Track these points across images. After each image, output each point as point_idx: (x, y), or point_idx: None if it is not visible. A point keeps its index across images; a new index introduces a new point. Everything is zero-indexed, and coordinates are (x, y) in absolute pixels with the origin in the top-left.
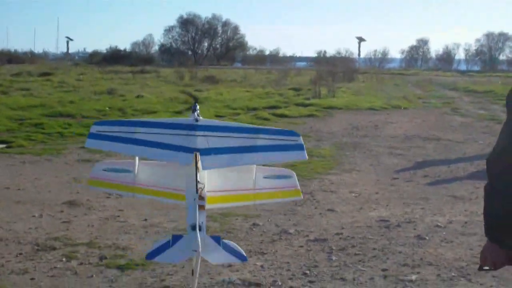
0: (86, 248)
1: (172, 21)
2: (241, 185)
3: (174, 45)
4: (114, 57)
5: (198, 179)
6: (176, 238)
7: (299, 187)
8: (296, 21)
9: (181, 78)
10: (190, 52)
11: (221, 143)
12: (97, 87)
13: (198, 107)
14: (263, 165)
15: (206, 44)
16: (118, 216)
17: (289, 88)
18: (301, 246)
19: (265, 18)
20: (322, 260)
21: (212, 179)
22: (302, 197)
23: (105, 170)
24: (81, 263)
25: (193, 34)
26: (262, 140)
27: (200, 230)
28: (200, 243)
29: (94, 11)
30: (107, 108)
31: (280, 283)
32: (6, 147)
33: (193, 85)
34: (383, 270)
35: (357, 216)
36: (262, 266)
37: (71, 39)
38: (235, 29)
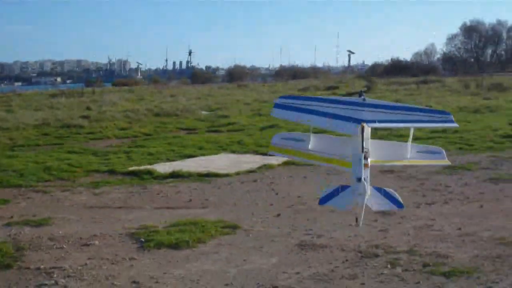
0: (408, 255)
1: (455, 29)
2: (397, 157)
3: (457, 53)
4: (396, 68)
5: (364, 145)
6: (343, 188)
7: (446, 159)
8: None
9: (467, 87)
10: (472, 60)
11: (384, 116)
12: (383, 99)
13: (364, 95)
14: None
15: (490, 51)
16: (432, 225)
17: None
18: None
19: None
20: None
21: (377, 152)
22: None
23: (283, 139)
24: (406, 270)
25: (477, 41)
26: (416, 115)
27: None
28: (364, 189)
29: (372, 24)
30: None
31: None
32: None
33: (479, 93)
34: None
35: None
36: None
37: (353, 53)
38: None
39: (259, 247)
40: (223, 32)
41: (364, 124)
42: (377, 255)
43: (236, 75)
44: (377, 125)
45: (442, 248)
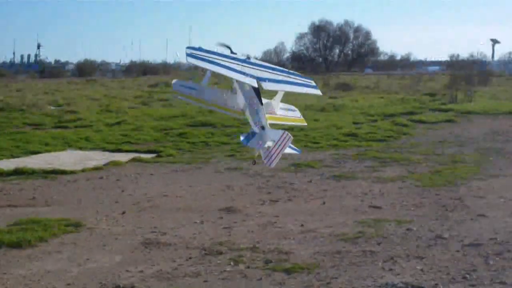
0: (251, 253)
1: (304, 28)
2: (269, 112)
3: (305, 52)
4: None
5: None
6: (253, 134)
7: (302, 117)
8: (428, 24)
9: None
10: (321, 59)
11: (271, 76)
12: None
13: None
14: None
15: (337, 50)
16: (275, 222)
17: (424, 93)
18: (458, 251)
19: (396, 23)
20: (480, 264)
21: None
22: (307, 124)
23: (181, 85)
24: (248, 267)
25: (325, 41)
26: (292, 78)
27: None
28: (271, 134)
29: (224, 21)
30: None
31: (441, 286)
32: (157, 156)
33: (326, 92)
34: None
35: (509, 221)
36: (422, 270)
37: None
38: (367, 34)
39: (102, 246)
40: (74, 26)
41: (262, 82)
42: (220, 253)
43: (86, 70)
44: (267, 83)
45: (284, 245)
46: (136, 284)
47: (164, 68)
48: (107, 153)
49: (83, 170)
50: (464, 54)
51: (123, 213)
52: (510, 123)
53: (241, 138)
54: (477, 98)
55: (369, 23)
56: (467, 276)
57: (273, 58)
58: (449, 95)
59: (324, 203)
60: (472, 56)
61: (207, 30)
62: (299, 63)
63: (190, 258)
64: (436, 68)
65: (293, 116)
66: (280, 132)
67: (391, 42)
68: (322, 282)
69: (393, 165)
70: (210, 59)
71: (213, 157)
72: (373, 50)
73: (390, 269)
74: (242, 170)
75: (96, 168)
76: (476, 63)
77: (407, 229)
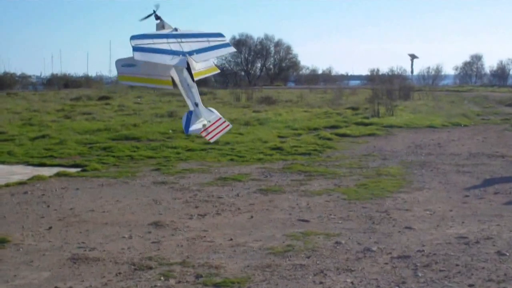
0: (181, 267)
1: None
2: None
3: (227, 66)
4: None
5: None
6: (190, 114)
7: (215, 66)
8: (348, 39)
9: (238, 99)
10: (243, 73)
11: (197, 46)
12: (157, 110)
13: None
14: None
15: (259, 64)
16: (204, 236)
17: (346, 107)
18: (386, 263)
19: (316, 37)
20: (409, 277)
21: None
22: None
23: (122, 66)
24: (179, 281)
25: (246, 55)
26: (212, 42)
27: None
28: (204, 110)
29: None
30: (170, 131)
31: None
32: (82, 170)
33: (250, 106)
34: (470, 285)
35: (435, 233)
36: (352, 283)
37: None
38: (288, 49)
39: (30, 262)
40: None
41: (189, 57)
42: (150, 267)
43: (5, 82)
44: (196, 55)
45: (214, 259)
46: None
47: (86, 81)
48: (31, 168)
49: (7, 185)
50: (384, 68)
51: (50, 228)
52: (431, 137)
53: (183, 123)
54: (398, 112)
55: (289, 38)
56: None
57: None
58: (371, 109)
59: (252, 216)
60: (392, 70)
61: (127, 42)
62: (222, 77)
63: (119, 273)
64: (357, 82)
65: (210, 66)
66: (216, 115)
67: (312, 56)
68: None
69: (319, 179)
70: (153, 46)
71: (138, 171)
72: (295, 64)
73: (321, 282)
74: (169, 184)
75: (20, 183)
76: (399, 78)
77: (336, 242)
